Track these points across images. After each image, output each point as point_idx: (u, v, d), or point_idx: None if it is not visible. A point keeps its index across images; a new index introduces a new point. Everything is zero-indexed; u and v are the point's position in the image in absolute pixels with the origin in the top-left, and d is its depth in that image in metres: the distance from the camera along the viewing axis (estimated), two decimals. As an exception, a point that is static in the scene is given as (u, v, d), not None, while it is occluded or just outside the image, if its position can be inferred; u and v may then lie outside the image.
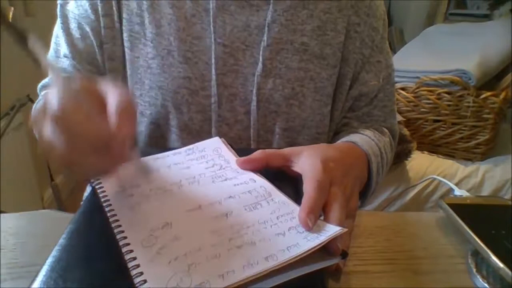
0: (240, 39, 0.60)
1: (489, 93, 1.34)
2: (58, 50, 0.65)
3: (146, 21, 0.60)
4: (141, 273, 0.32)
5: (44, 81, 0.65)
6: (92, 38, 0.62)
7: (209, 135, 0.61)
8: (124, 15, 0.61)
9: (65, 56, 0.64)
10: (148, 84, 0.61)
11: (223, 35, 0.59)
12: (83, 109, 0.35)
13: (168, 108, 0.61)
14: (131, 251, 0.34)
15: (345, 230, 0.36)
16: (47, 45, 0.70)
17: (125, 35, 0.61)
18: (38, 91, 0.66)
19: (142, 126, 0.64)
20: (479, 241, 0.41)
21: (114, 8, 0.60)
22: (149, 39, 0.60)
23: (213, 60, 0.59)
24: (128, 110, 0.36)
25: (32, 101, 1.40)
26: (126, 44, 0.61)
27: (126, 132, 0.35)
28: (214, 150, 0.50)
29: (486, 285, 0.38)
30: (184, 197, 0.41)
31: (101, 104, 0.37)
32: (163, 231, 0.36)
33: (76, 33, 0.62)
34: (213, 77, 0.59)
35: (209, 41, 0.59)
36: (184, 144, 0.61)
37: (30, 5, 1.51)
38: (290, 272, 0.32)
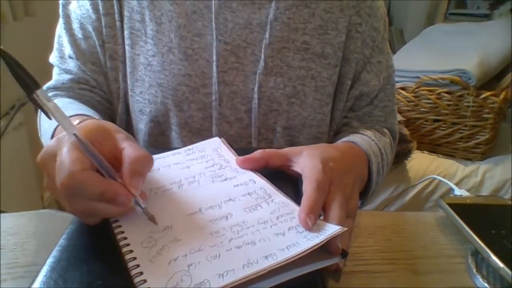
0: (242, 37, 0.60)
1: (489, 93, 1.34)
2: (62, 50, 0.65)
3: (147, 18, 0.60)
4: (141, 273, 0.32)
5: (50, 83, 0.65)
6: (94, 38, 0.62)
7: (209, 133, 0.61)
8: (125, 13, 0.61)
9: (69, 57, 0.64)
10: (148, 81, 0.61)
11: (224, 33, 0.59)
12: (90, 165, 0.35)
13: (168, 106, 0.61)
14: (131, 251, 0.34)
15: (345, 229, 0.36)
16: (47, 45, 0.70)
17: (126, 32, 0.61)
18: None
19: (142, 124, 0.64)
20: (479, 241, 0.41)
21: (115, 7, 0.61)
22: (149, 36, 0.60)
23: (214, 58, 0.59)
24: (142, 168, 0.37)
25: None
26: (126, 41, 0.61)
27: (134, 191, 0.35)
28: (214, 150, 0.50)
29: (486, 285, 0.38)
30: (184, 199, 0.41)
31: (113, 153, 0.38)
32: (163, 234, 0.36)
33: (78, 33, 0.62)
34: (214, 74, 0.59)
35: (210, 38, 0.59)
36: (184, 142, 0.62)
37: (30, 5, 1.51)
38: (290, 271, 0.32)
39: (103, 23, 0.61)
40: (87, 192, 0.34)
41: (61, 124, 0.36)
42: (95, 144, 0.37)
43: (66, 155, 0.35)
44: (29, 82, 0.35)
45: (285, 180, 0.45)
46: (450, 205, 0.48)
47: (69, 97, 0.63)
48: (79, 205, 0.36)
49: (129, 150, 0.37)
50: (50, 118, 0.37)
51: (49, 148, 0.38)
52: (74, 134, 0.36)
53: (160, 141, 0.65)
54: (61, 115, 0.36)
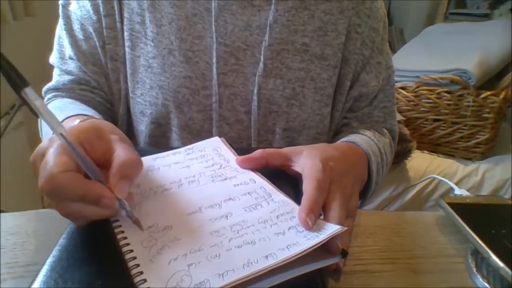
0: (241, 39, 0.60)
1: (489, 93, 1.34)
2: (62, 51, 0.64)
3: (147, 20, 0.60)
4: (141, 273, 0.32)
5: (50, 83, 0.65)
6: (95, 39, 0.62)
7: (209, 135, 0.61)
8: (125, 14, 0.61)
9: (70, 58, 0.64)
10: (149, 83, 0.61)
11: (224, 35, 0.59)
12: (74, 166, 0.35)
13: (169, 108, 0.61)
14: (131, 251, 0.34)
15: (345, 228, 0.36)
16: (47, 45, 0.70)
17: (126, 34, 0.61)
18: (43, 94, 0.66)
19: (143, 126, 0.64)
20: (479, 241, 0.41)
21: (115, 8, 0.60)
22: (150, 38, 0.60)
23: (214, 60, 0.59)
24: (130, 172, 0.36)
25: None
26: (127, 43, 0.61)
27: (120, 195, 0.35)
28: (214, 149, 0.50)
29: (486, 284, 0.38)
30: (184, 198, 0.41)
31: (104, 154, 0.37)
32: (163, 233, 0.36)
33: (79, 35, 0.62)
34: (214, 76, 0.59)
35: (210, 40, 0.59)
36: (185, 143, 0.61)
37: (30, 5, 1.51)
38: (290, 271, 0.32)
39: (103, 24, 0.61)
40: (67, 194, 0.34)
41: (48, 123, 0.35)
42: (86, 145, 0.37)
43: (50, 156, 0.35)
44: (17, 80, 0.34)
45: (285, 179, 0.45)
46: (450, 204, 0.48)
47: (70, 97, 0.63)
48: (62, 207, 0.35)
49: (119, 152, 0.37)
50: (37, 117, 0.36)
51: (40, 147, 0.38)
52: (61, 134, 0.35)
53: (160, 143, 0.65)
54: (48, 114, 0.35)
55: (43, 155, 0.36)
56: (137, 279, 0.31)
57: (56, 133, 0.35)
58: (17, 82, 0.34)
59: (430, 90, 1.41)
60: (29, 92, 0.34)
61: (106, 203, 0.34)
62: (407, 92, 1.45)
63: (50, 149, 0.36)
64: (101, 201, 0.34)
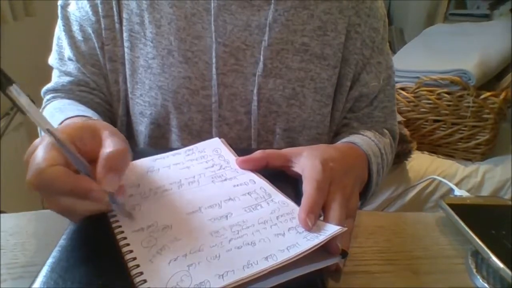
0: (241, 39, 0.60)
1: (489, 93, 1.34)
2: (61, 52, 0.64)
3: (146, 20, 0.60)
4: (141, 273, 0.32)
5: (49, 85, 0.65)
6: (94, 40, 0.61)
7: (209, 135, 0.61)
8: (124, 15, 0.61)
9: (69, 59, 0.64)
10: (148, 84, 0.61)
11: (223, 35, 0.59)
12: (63, 162, 0.35)
13: (168, 108, 0.61)
14: (131, 251, 0.34)
15: (345, 229, 0.36)
16: (47, 45, 0.70)
17: (125, 35, 0.61)
18: (42, 95, 0.66)
19: (142, 127, 0.64)
20: (479, 241, 0.41)
21: (114, 9, 0.60)
22: (149, 39, 0.60)
23: (213, 60, 0.59)
24: (117, 164, 0.35)
25: (32, 102, 1.41)
26: (126, 44, 0.61)
27: (108, 188, 0.34)
28: (214, 150, 0.50)
29: (486, 285, 0.38)
30: (184, 199, 0.41)
31: (96, 151, 0.37)
32: (163, 233, 0.36)
33: (78, 35, 0.62)
34: (214, 76, 0.59)
35: (210, 40, 0.59)
36: (184, 144, 0.62)
37: (30, 5, 1.51)
38: (290, 272, 0.32)
39: (102, 25, 0.61)
40: (55, 188, 0.34)
41: (34, 120, 0.35)
42: (79, 143, 0.36)
43: (39, 152, 0.35)
44: (2, 78, 0.33)
45: (285, 180, 0.45)
46: (450, 205, 0.48)
47: (69, 99, 0.62)
48: (53, 202, 0.35)
49: (106, 145, 0.36)
50: (24, 114, 0.36)
51: (33, 145, 0.37)
52: (47, 130, 0.35)
53: (160, 143, 0.65)
54: (34, 111, 0.35)
55: (34, 152, 0.36)
56: (137, 280, 0.31)
57: (43, 129, 0.35)
58: (2, 80, 0.34)
59: (430, 91, 1.41)
60: (14, 90, 0.34)
61: (95, 196, 0.34)
62: (407, 93, 1.45)
63: (40, 146, 0.36)
64: (90, 194, 0.34)
